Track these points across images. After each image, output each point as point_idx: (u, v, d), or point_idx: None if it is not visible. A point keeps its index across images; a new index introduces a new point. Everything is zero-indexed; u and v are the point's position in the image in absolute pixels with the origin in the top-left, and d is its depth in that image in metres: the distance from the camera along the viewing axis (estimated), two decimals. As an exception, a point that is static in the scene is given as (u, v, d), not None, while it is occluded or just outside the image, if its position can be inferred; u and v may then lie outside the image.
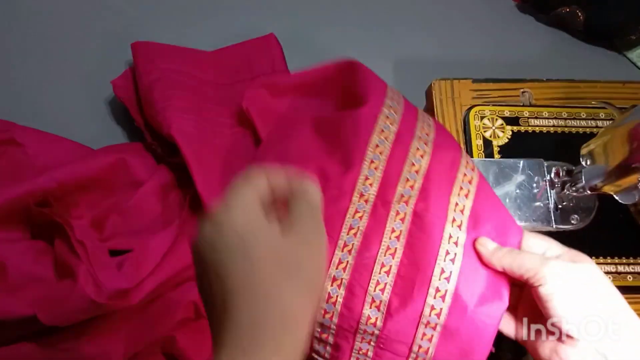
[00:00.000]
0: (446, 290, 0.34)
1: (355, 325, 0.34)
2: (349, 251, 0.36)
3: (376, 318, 0.34)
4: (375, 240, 0.36)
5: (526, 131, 0.48)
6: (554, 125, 0.49)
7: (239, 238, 0.24)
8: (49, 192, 0.44)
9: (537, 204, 0.45)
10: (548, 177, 0.46)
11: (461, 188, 0.37)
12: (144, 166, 0.50)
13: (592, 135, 0.47)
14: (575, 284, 0.32)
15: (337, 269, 0.36)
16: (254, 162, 0.44)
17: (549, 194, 0.46)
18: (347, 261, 0.35)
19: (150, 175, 0.49)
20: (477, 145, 0.47)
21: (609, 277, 0.44)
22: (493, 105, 0.49)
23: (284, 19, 0.62)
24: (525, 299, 0.36)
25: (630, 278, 0.44)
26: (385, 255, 0.35)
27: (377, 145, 0.38)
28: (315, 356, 0.36)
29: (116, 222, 0.47)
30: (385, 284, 0.35)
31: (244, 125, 0.52)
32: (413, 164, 0.37)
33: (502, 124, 0.48)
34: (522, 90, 0.50)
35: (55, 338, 0.43)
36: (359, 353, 0.35)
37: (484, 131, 0.48)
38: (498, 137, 0.48)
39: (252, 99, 0.47)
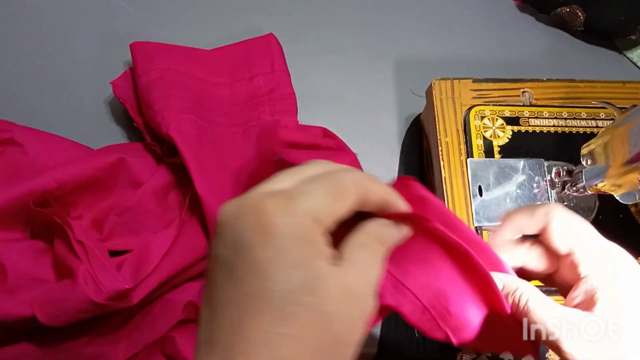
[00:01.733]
0: None
1: None
2: None
3: None
4: None
5: (526, 131, 0.48)
6: (554, 125, 0.49)
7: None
8: (49, 192, 0.44)
9: (538, 204, 0.45)
10: (548, 177, 0.46)
11: None
12: (144, 166, 0.49)
13: (592, 135, 0.47)
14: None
15: None
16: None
17: (549, 194, 0.46)
18: None
19: (150, 175, 0.49)
20: (478, 145, 0.47)
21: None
22: (493, 105, 0.49)
23: (283, 18, 0.62)
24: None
25: (630, 278, 0.44)
26: None
27: None
28: None
29: (116, 222, 0.47)
30: None
31: (243, 125, 0.52)
32: None
33: (502, 124, 0.48)
34: (522, 90, 0.50)
35: (55, 338, 0.43)
36: None
37: (485, 131, 0.48)
38: (498, 137, 0.48)
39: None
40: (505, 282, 0.29)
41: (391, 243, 0.25)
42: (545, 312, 0.28)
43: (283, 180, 0.23)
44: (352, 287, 0.22)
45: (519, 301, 0.28)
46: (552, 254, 0.31)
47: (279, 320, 0.20)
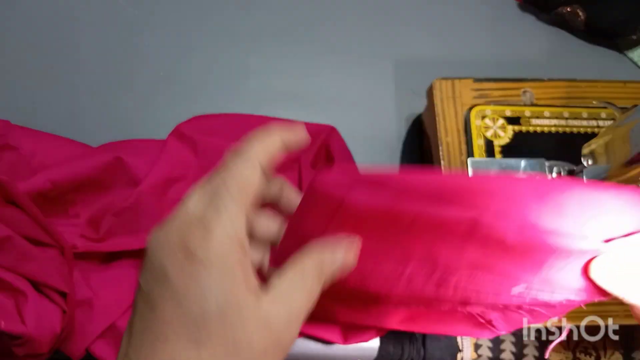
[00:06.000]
0: None
1: None
2: None
3: None
4: None
5: (527, 131, 0.48)
6: (555, 125, 0.48)
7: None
8: (44, 192, 0.44)
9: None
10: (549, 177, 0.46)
11: None
12: (141, 165, 0.49)
13: (593, 135, 0.47)
14: None
15: None
16: None
17: (550, 194, 0.45)
18: None
19: (147, 174, 0.49)
20: (479, 145, 0.47)
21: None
22: (494, 104, 0.49)
23: (283, 17, 0.62)
24: None
25: (632, 279, 0.44)
26: None
27: None
28: None
29: (112, 222, 0.46)
30: None
31: None
32: None
33: (503, 124, 0.48)
34: (523, 89, 0.50)
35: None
36: None
37: (485, 131, 0.48)
38: (499, 136, 0.48)
39: None
40: None
41: (330, 273, 0.25)
42: None
43: (197, 203, 0.23)
44: (269, 320, 0.22)
45: None
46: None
47: (190, 344, 0.20)
